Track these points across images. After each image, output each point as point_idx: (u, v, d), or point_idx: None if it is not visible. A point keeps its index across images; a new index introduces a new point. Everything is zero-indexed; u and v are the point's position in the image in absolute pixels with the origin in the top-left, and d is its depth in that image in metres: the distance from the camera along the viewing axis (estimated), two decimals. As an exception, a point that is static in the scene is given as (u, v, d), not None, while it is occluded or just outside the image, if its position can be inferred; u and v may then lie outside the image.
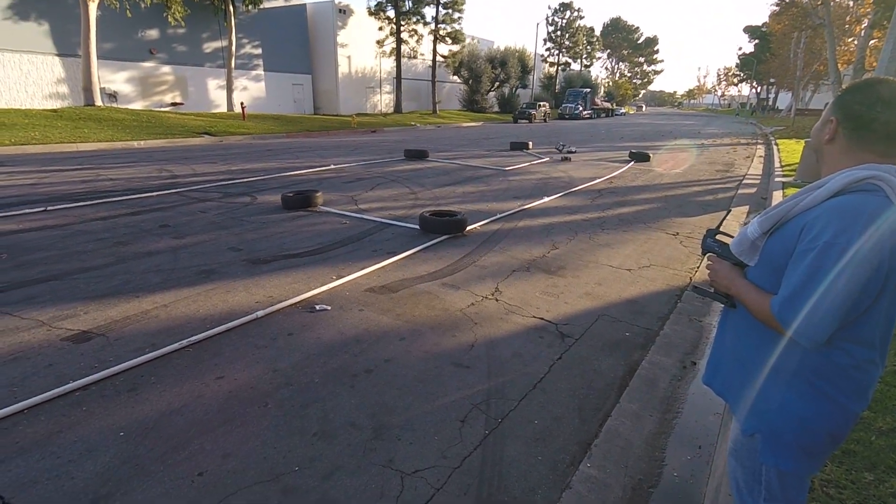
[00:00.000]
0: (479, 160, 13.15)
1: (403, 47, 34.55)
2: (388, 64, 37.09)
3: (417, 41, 34.93)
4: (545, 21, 55.63)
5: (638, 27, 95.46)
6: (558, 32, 55.95)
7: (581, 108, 43.56)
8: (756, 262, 1.23)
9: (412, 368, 2.97)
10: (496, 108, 46.34)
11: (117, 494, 1.98)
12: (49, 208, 6.52)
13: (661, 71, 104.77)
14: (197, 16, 24.99)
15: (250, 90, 29.62)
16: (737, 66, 79.53)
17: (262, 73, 30.47)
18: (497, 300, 4.01)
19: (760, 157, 16.03)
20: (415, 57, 36.25)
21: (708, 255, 1.39)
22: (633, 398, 2.71)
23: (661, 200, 8.42)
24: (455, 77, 42.63)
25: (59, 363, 2.89)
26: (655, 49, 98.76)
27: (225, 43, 26.48)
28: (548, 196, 8.32)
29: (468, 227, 5.95)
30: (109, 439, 2.29)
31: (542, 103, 39.21)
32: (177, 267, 4.56)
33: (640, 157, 13.74)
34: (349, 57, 34.59)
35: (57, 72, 21.84)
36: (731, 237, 1.34)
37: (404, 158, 12.83)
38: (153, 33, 24.68)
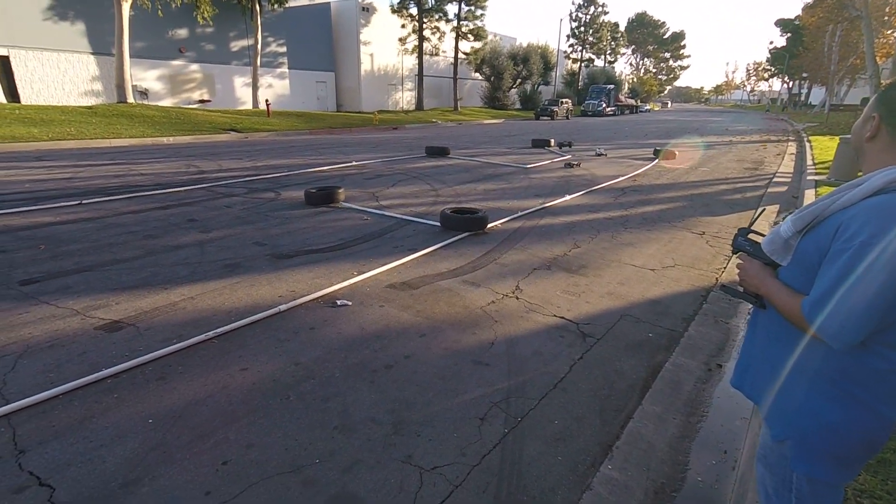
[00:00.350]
0: (501, 157, 13.09)
1: (425, 44, 34.58)
2: (410, 61, 37.18)
3: (440, 38, 34.91)
4: (568, 17, 54.93)
5: (664, 22, 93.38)
6: (582, 28, 55.16)
7: (604, 105, 42.93)
8: (789, 262, 1.19)
9: (432, 365, 2.98)
10: (518, 105, 46.02)
11: (145, 480, 2.04)
12: (84, 202, 6.74)
13: (688, 67, 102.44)
14: (224, 15, 25.46)
15: (275, 87, 30.06)
16: (767, 60, 77.15)
17: (287, 70, 30.89)
18: (517, 298, 3.99)
19: (792, 154, 15.54)
20: (437, 54, 36.24)
21: (738, 253, 1.35)
22: (655, 400, 2.66)
23: (686, 199, 8.24)
24: (477, 74, 42.47)
25: (92, 351, 2.99)
26: (682, 44, 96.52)
27: (251, 41, 26.92)
28: (569, 194, 8.22)
29: (489, 225, 5.93)
30: (139, 426, 2.36)
31: (564, 100, 38.79)
32: (203, 260, 4.66)
33: (666, 154, 13.47)
34: (371, 54, 34.79)
35: (92, 70, 22.54)
36: (764, 236, 1.30)
37: (425, 155, 12.85)
38: (182, 32, 25.25)
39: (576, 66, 56.57)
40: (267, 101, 24.31)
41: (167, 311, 3.57)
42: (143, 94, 23.95)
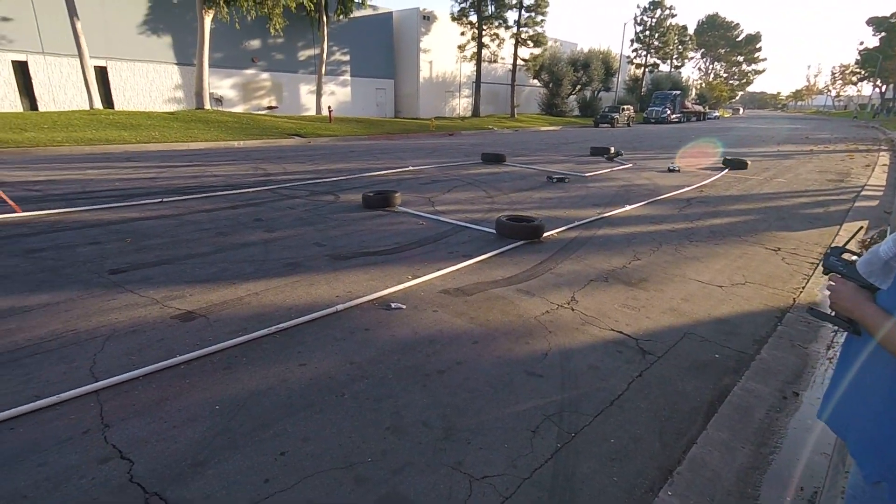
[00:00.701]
0: (558, 165, 12.87)
1: (484, 51, 34.74)
2: (468, 68, 37.46)
3: (498, 45, 34.94)
4: (633, 21, 53.11)
5: (738, 24, 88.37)
6: (647, 32, 53.25)
7: (669, 112, 41.26)
8: (889, 286, 1.08)
9: (484, 373, 2.96)
10: (576, 112, 45.13)
11: (211, 462, 2.16)
12: (165, 200, 7.29)
13: (763, 71, 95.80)
14: (294, 26, 26.78)
15: (337, 95, 31.22)
16: (857, 62, 71.14)
17: (349, 78, 32.01)
18: (573, 310, 3.89)
19: (884, 165, 14.22)
20: (495, 61, 36.29)
21: (830, 274, 1.25)
22: (722, 426, 2.51)
23: (759, 212, 7.74)
24: (535, 80, 42.11)
25: (168, 338, 3.22)
26: (757, 47, 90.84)
27: (317, 51, 28.14)
28: (630, 204, 7.95)
29: (545, 234, 5.84)
30: (207, 411, 2.50)
31: (625, 107, 37.62)
32: (267, 258, 4.90)
33: (736, 164, 12.73)
34: (430, 62, 35.38)
35: (175, 79, 24.40)
36: (859, 255, 1.19)
37: (481, 162, 12.87)
38: (255, 43, 26.83)
39: (639, 72, 54.72)
40: (329, 107, 25.28)
41: (234, 305, 3.77)
42: (219, 101, 25.61)
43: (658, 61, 56.51)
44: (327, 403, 2.61)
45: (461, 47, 34.67)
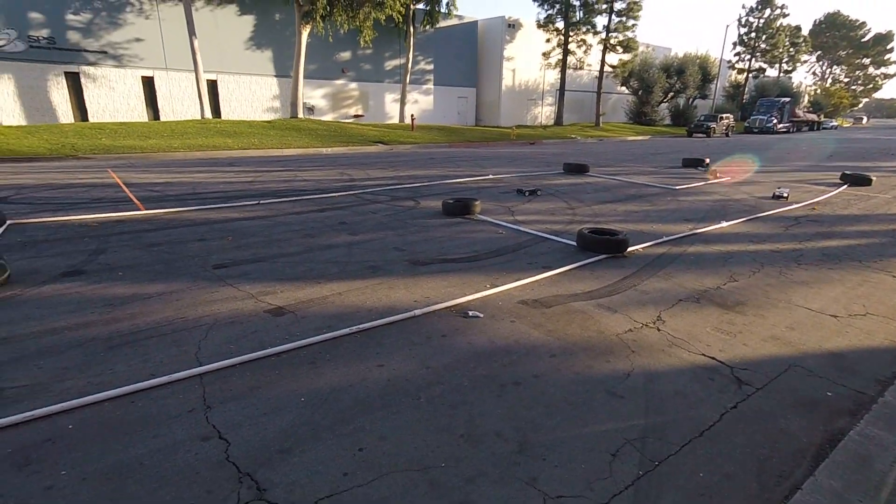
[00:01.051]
0: (645, 177, 12.27)
1: (569, 58, 34.05)
2: (552, 76, 36.91)
3: (585, 51, 34.07)
4: (737, 22, 49.26)
5: (863, 22, 78.68)
6: (752, 34, 49.14)
7: (775, 121, 37.82)
8: None
9: (561, 388, 2.87)
10: (667, 121, 42.78)
11: (296, 451, 2.29)
12: (261, 202, 7.90)
13: (895, 75, 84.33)
14: (382, 38, 27.99)
15: (420, 103, 32.11)
16: None
17: (432, 87, 32.82)
18: (659, 330, 3.67)
19: None
20: (580, 67, 35.43)
21: None
22: (834, 474, 2.23)
23: (886, 235, 6.84)
24: (623, 88, 40.53)
25: (261, 331, 3.47)
26: (888, 48, 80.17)
27: (402, 61, 29.18)
28: (726, 220, 7.37)
29: (629, 248, 5.57)
30: (293, 402, 2.66)
31: (724, 115, 35.06)
32: (350, 261, 5.13)
33: (857, 180, 11.37)
34: (513, 70, 35.31)
35: (273, 90, 26.45)
36: None
37: (563, 172, 12.59)
38: (345, 55, 28.39)
39: (741, 77, 50.69)
40: (412, 115, 26.06)
41: (319, 303, 3.98)
42: (311, 110, 27.37)
43: (764, 65, 51.88)
44: (403, 405, 2.67)
45: (546, 54, 34.27)
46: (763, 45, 49.50)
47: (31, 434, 2.35)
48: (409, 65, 28.06)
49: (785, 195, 9.46)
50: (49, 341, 3.25)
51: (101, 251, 5.21)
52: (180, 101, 23.63)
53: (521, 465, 2.26)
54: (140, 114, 22.83)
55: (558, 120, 35.44)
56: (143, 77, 22.60)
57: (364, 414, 2.59)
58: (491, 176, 11.58)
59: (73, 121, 20.90)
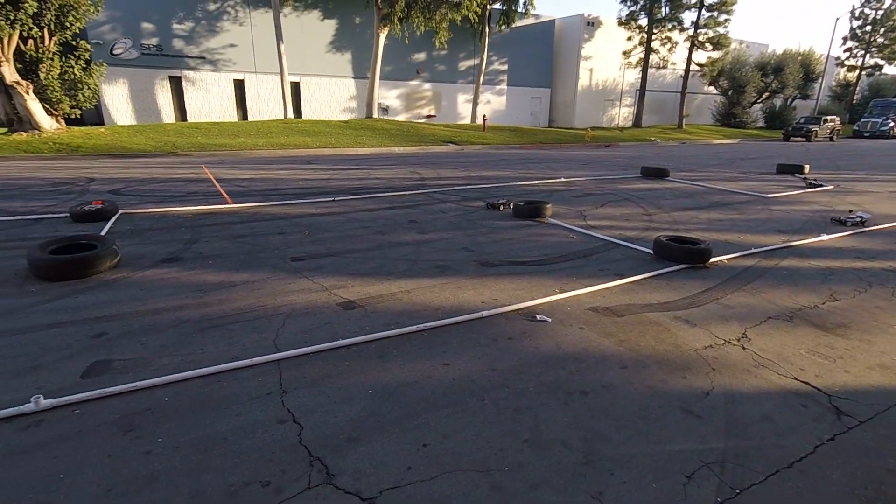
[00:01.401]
0: (733, 183, 11.43)
1: (652, 56, 32.48)
2: (632, 75, 35.37)
3: (670, 49, 32.34)
4: (849, 15, 44.32)
5: None
6: (868, 27, 43.92)
7: (892, 124, 33.73)
8: None
9: (632, 401, 2.75)
10: (760, 123, 39.52)
11: (363, 441, 2.37)
12: (336, 199, 8.26)
13: None
14: (457, 39, 28.24)
15: (492, 104, 32.04)
16: None
17: (505, 87, 32.62)
18: (744, 348, 3.40)
19: None
20: (664, 67, 33.68)
21: None
22: (955, 525, 1.95)
23: None
24: (710, 87, 38.00)
25: (333, 322, 3.63)
26: None
27: (476, 61, 29.28)
28: (827, 234, 6.69)
29: (712, 259, 5.21)
30: (362, 393, 2.75)
31: (829, 117, 31.77)
32: (419, 259, 5.22)
33: None
34: (591, 69, 34.25)
35: (351, 91, 27.53)
36: None
37: (641, 176, 12.04)
38: (420, 56, 28.94)
39: (852, 76, 45.61)
40: (484, 116, 26.08)
41: (388, 299, 4.09)
42: (385, 110, 28.20)
43: (881, 62, 46.16)
44: (468, 406, 2.68)
45: (626, 53, 32.91)
46: (880, 40, 44.04)
47: (134, 403, 2.61)
48: (483, 65, 28.09)
49: (861, 219, 7.15)
50: (150, 320, 3.60)
51: (194, 240, 5.69)
52: (266, 102, 25.26)
53: (586, 476, 2.18)
54: (231, 114, 24.69)
55: (637, 121, 33.91)
56: (234, 80, 24.42)
57: (429, 411, 2.63)
58: (563, 179, 11.32)
59: (174, 120, 23.02)
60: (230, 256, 5.15)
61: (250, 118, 24.57)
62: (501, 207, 7.66)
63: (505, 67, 32.16)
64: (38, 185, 9.17)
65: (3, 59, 14.14)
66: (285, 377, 2.88)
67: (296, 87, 25.71)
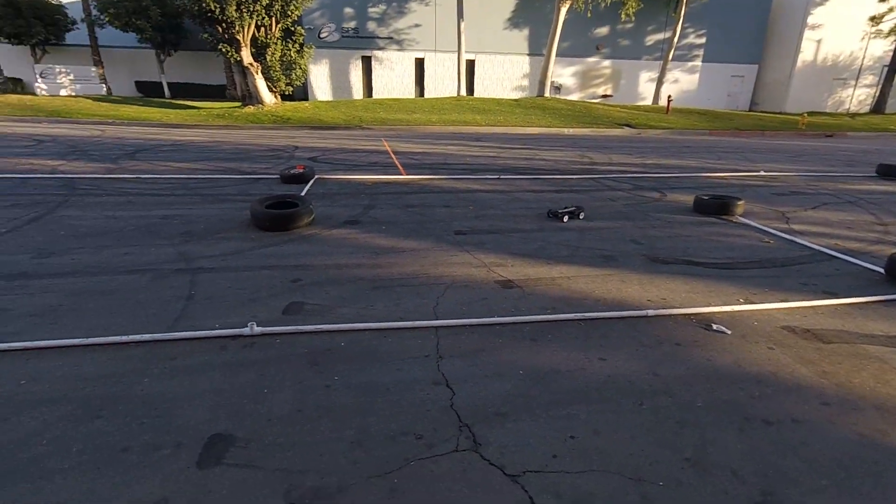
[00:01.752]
0: None
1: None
2: (880, 48, 28.23)
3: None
4: None
5: None
6: None
7: None
8: None
9: (834, 446, 2.27)
10: None
11: (510, 418, 2.38)
12: (501, 177, 8.35)
13: None
14: (646, 9, 25.79)
15: (681, 82, 28.78)
16: None
17: (699, 64, 28.95)
18: None
19: None
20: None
21: None
22: None
23: None
24: None
25: (490, 298, 3.71)
26: None
27: (667, 34, 26.42)
28: None
29: (977, 287, 3.98)
30: (512, 372, 2.77)
31: None
32: (582, 246, 5.01)
33: None
34: (818, 41, 28.29)
35: (524, 68, 27.29)
36: None
37: (875, 175, 9.71)
38: (602, 30, 27.20)
39: None
40: (669, 96, 23.56)
41: (546, 283, 4.02)
42: (557, 89, 27.36)
43: None
44: (623, 407, 2.51)
45: (876, 18, 26.28)
46: None
47: (318, 342, 3.03)
48: (676, 38, 25.21)
49: None
50: (334, 274, 4.12)
51: (371, 207, 6.31)
52: (441, 80, 26.54)
53: (762, 519, 1.89)
54: (410, 91, 26.56)
55: (879, 106, 27.20)
56: (416, 59, 26.12)
57: (579, 403, 2.53)
58: (763, 173, 9.71)
59: (362, 97, 25.67)
60: (401, 224, 5.59)
61: (426, 95, 26.12)
62: (565, 218, 5.79)
63: (702, 41, 28.45)
64: (259, 150, 11.11)
65: (243, 44, 17.29)
66: (442, 343, 3.05)
67: (470, 65, 26.46)
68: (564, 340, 3.14)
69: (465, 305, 3.57)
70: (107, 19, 22.67)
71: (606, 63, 28.05)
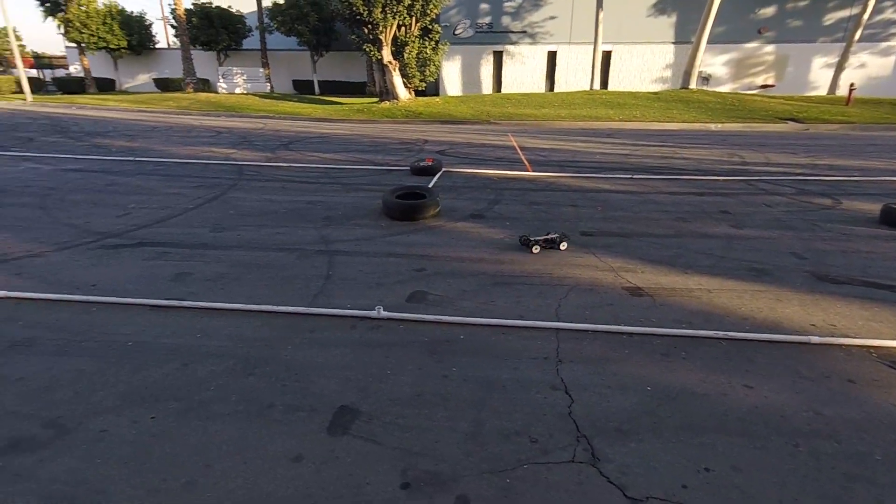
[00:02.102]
0: None
1: None
2: None
3: None
4: None
5: None
6: None
7: None
8: None
9: None
10: None
11: (634, 436, 2.21)
12: (634, 176, 7.79)
13: None
14: (829, -16, 22.00)
15: (868, 68, 24.17)
16: None
17: None
18: None
19: None
20: None
21: None
22: None
23: None
24: None
25: (616, 305, 3.48)
26: None
27: (853, 11, 22.29)
28: None
29: None
30: (639, 387, 2.57)
31: None
32: (727, 256, 4.46)
33: None
34: None
35: (667, 58, 25.09)
36: None
37: None
38: (768, 11, 23.86)
39: None
40: (852, 84, 19.83)
41: (682, 295, 3.66)
42: (706, 79, 24.68)
43: None
44: (772, 445, 2.19)
45: None
46: None
47: (439, 332, 3.12)
48: (866, 15, 21.09)
49: None
50: (456, 266, 4.20)
51: (496, 202, 6.31)
52: (574, 74, 25.55)
53: None
54: (539, 85, 26.02)
55: None
56: (549, 52, 25.46)
57: (717, 432, 2.26)
58: (979, 177, 7.75)
59: (490, 92, 25.79)
60: (525, 221, 5.51)
61: (556, 89, 25.38)
62: (535, 249, 4.46)
63: (901, 17, 23.50)
64: (392, 143, 11.76)
65: (385, 43, 18.40)
66: (562, 347, 2.94)
67: (606, 57, 25.07)
68: (701, 360, 2.82)
69: (588, 310, 3.40)
70: (275, 26, 25.99)
71: (769, 48, 24.55)
